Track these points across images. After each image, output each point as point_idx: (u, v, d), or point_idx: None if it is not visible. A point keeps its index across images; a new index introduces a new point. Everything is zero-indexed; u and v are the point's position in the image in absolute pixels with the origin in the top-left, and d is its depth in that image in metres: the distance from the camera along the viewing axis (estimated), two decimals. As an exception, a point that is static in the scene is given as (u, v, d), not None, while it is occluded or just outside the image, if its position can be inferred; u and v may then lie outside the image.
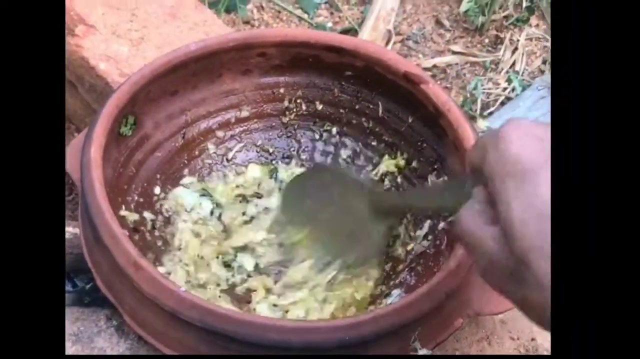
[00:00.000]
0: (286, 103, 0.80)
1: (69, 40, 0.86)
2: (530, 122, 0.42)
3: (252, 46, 0.75)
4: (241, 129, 0.80)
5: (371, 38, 1.11)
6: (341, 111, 0.79)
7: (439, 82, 1.02)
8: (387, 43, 1.13)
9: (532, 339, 0.69)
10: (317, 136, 0.80)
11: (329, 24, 1.16)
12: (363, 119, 0.78)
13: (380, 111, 0.77)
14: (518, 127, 0.42)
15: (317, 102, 0.79)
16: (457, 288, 0.60)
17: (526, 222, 0.39)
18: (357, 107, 0.78)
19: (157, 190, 0.74)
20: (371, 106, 0.78)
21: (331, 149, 0.80)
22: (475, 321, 0.69)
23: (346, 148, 0.79)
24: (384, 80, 0.75)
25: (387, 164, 0.77)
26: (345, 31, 1.15)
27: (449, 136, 0.71)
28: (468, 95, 1.08)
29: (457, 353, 0.68)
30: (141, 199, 0.72)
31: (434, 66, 1.12)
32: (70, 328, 0.64)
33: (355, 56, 0.75)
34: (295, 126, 0.80)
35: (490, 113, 1.07)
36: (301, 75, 0.79)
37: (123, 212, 0.69)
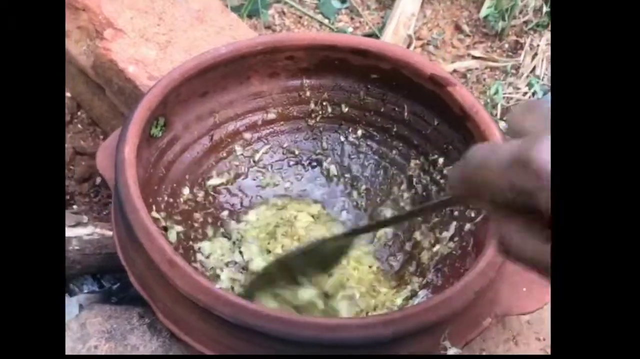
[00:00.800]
0: (312, 105, 0.80)
1: (97, 43, 0.87)
2: None
3: (280, 50, 0.76)
4: (268, 131, 0.80)
5: (392, 42, 1.12)
6: (367, 113, 0.80)
7: (460, 87, 1.02)
8: (407, 47, 1.14)
9: (558, 340, 0.70)
10: (342, 139, 0.81)
11: (350, 29, 1.17)
12: (389, 121, 0.79)
13: (406, 114, 0.78)
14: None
15: (343, 105, 0.80)
16: (487, 287, 0.61)
17: None
18: (382, 110, 0.79)
19: (186, 191, 0.75)
20: (397, 109, 0.79)
21: (356, 151, 0.81)
22: (502, 322, 0.70)
23: (372, 151, 0.80)
24: (410, 83, 0.76)
25: (414, 167, 0.78)
26: (366, 36, 1.15)
27: (475, 139, 0.71)
28: (488, 100, 1.09)
29: (484, 353, 0.68)
30: (171, 200, 0.73)
31: (454, 71, 1.13)
32: (103, 325, 0.65)
33: (382, 59, 0.76)
34: (321, 129, 0.81)
35: (511, 118, 1.08)
36: (327, 78, 0.80)
37: (154, 214, 0.69)
